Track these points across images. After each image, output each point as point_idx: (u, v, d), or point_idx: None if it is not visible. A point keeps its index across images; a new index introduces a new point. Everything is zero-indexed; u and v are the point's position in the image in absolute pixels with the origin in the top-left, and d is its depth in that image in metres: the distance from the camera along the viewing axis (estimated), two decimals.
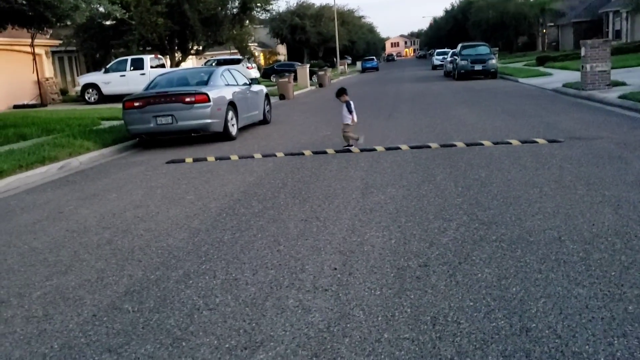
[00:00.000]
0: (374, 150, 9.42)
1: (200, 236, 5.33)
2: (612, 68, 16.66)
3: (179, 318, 3.60)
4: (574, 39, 52.22)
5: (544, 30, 63.55)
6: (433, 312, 3.41)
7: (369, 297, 3.70)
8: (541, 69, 30.90)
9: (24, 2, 12.71)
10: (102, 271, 4.57)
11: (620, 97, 13.34)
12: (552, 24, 61.71)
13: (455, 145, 9.26)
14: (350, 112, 9.72)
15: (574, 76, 19.65)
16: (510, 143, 9.09)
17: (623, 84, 16.16)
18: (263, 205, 6.31)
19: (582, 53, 16.54)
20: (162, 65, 26.93)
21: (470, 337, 3.09)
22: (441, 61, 47.87)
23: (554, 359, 2.82)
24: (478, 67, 29.48)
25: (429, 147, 9.32)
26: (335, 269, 4.23)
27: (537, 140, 9.15)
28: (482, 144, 9.17)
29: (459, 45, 33.06)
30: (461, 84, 26.91)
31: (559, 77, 23.17)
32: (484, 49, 31.63)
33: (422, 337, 3.13)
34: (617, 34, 47.98)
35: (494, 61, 29.99)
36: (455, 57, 32.28)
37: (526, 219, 5.12)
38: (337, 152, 9.56)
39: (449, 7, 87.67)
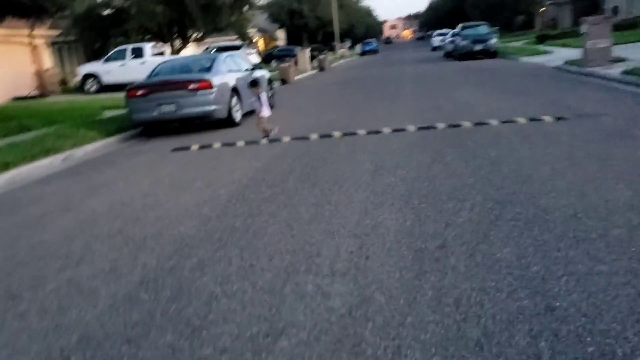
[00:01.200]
0: (380, 132, 9.34)
1: (211, 223, 5.28)
2: (612, 44, 16.52)
3: (197, 306, 3.56)
4: (572, 17, 51.94)
5: (542, 9, 63.10)
6: (455, 294, 3.36)
7: (388, 280, 3.65)
8: (541, 47, 30.68)
9: None
10: (116, 261, 4.53)
11: (623, 72, 13.22)
12: (550, 1, 61.28)
13: (461, 125, 9.18)
14: (260, 104, 9.71)
15: (574, 53, 19.46)
16: (517, 121, 9.00)
17: (624, 60, 16.02)
18: (272, 191, 6.26)
19: (583, 30, 16.40)
20: (162, 53, 26.77)
21: (495, 318, 3.05)
22: (441, 42, 47.18)
23: (582, 338, 2.78)
24: (478, 47, 29.37)
25: (436, 127, 9.24)
26: (352, 252, 4.18)
27: (544, 117, 9.06)
28: (488, 123, 9.09)
29: (460, 26, 32.94)
30: (462, 64, 26.73)
31: (559, 55, 22.99)
32: (484, 29, 31.50)
33: (447, 320, 3.08)
34: (615, 11, 47.68)
35: (494, 41, 29.84)
36: (456, 38, 32.12)
37: (540, 197, 5.06)
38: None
39: None
